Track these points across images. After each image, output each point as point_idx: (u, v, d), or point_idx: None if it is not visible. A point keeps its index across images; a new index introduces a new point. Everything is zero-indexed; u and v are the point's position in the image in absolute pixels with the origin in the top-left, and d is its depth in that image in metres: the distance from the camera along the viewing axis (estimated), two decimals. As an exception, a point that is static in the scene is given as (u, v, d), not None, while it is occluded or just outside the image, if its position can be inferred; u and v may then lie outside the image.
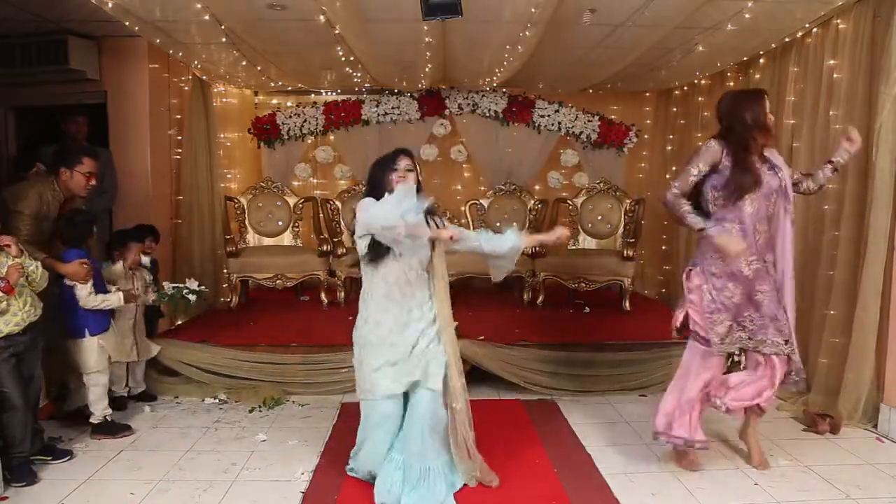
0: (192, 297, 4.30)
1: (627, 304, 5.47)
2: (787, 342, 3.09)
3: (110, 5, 3.62)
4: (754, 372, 3.21)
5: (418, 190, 2.95)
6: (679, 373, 3.24)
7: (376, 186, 2.94)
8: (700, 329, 3.13)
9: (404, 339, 2.87)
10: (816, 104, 4.20)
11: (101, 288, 3.68)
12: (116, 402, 3.96)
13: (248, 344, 4.52)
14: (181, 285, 4.31)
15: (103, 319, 3.69)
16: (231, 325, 4.67)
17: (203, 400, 4.24)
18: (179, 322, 4.97)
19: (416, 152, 6.54)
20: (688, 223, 3.09)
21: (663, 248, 6.59)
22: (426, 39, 4.40)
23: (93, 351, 3.59)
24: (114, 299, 3.67)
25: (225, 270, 5.68)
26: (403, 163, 2.96)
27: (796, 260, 4.40)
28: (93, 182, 3.69)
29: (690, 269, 3.18)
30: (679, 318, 3.22)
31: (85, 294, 3.54)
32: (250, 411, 4.07)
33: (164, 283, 4.30)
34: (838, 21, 4.00)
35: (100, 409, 3.62)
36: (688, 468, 3.21)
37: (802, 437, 3.66)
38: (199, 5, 3.67)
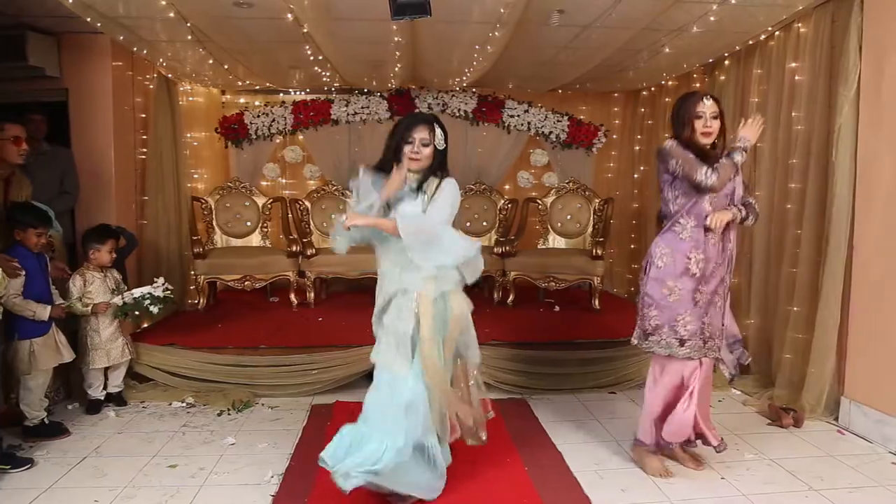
0: (155, 309, 4.06)
1: (597, 303, 5.52)
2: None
3: (70, 0, 3.54)
4: None
5: (443, 160, 2.78)
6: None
7: (385, 158, 2.78)
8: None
9: None
10: (779, 105, 4.29)
11: (44, 293, 3.62)
12: (91, 405, 3.95)
13: (217, 346, 4.46)
14: (144, 292, 4.05)
15: (38, 324, 3.55)
16: (199, 327, 4.61)
17: (170, 404, 4.17)
18: (145, 325, 4.87)
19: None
20: (737, 161, 3.03)
21: (632, 246, 6.67)
22: (395, 39, 4.39)
23: (24, 354, 3.51)
24: (39, 311, 3.53)
25: (192, 272, 5.59)
26: (419, 135, 2.71)
27: (761, 256, 4.51)
28: (24, 147, 3.70)
29: None
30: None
31: (10, 293, 3.42)
32: (219, 415, 4.01)
33: (121, 294, 4.03)
34: (799, 25, 4.09)
35: (32, 412, 3.56)
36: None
37: (767, 431, 3.74)
38: (163, 2, 3.61)
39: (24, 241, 3.57)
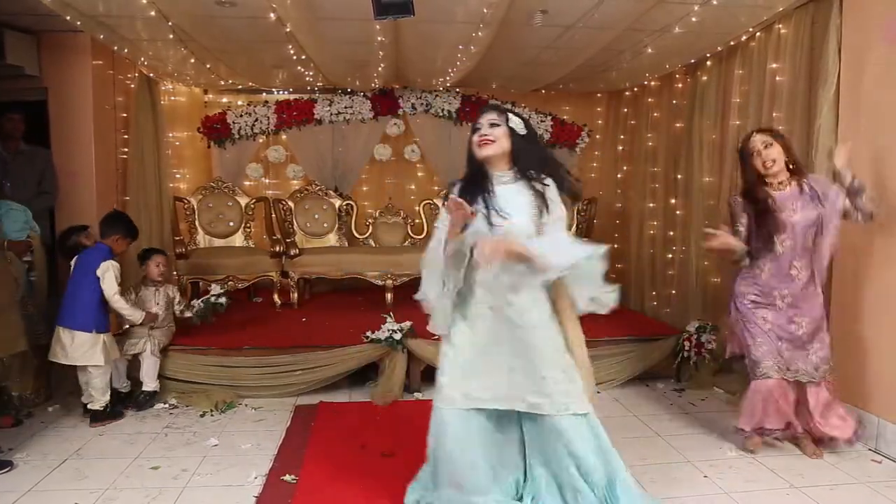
0: (223, 300, 4.53)
1: (580, 303, 5.53)
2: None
3: (49, -1, 3.51)
4: None
5: (535, 156, 2.46)
6: None
7: (468, 172, 2.50)
8: None
9: None
10: (760, 106, 4.33)
11: None
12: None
13: (200, 347, 4.42)
14: (207, 296, 4.53)
15: (108, 322, 3.94)
16: (181, 328, 4.57)
17: (153, 405, 4.13)
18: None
19: (368, 153, 6.61)
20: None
21: (615, 246, 6.69)
22: (379, 38, 4.38)
23: (100, 346, 3.84)
24: (137, 315, 4.06)
25: (175, 273, 5.54)
26: (486, 118, 2.44)
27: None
28: None
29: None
30: None
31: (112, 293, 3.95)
32: (202, 416, 3.99)
33: (192, 301, 4.56)
34: (780, 26, 4.13)
35: (100, 397, 3.83)
36: None
37: (749, 429, 3.77)
38: (144, 1, 3.58)
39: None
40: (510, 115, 2.43)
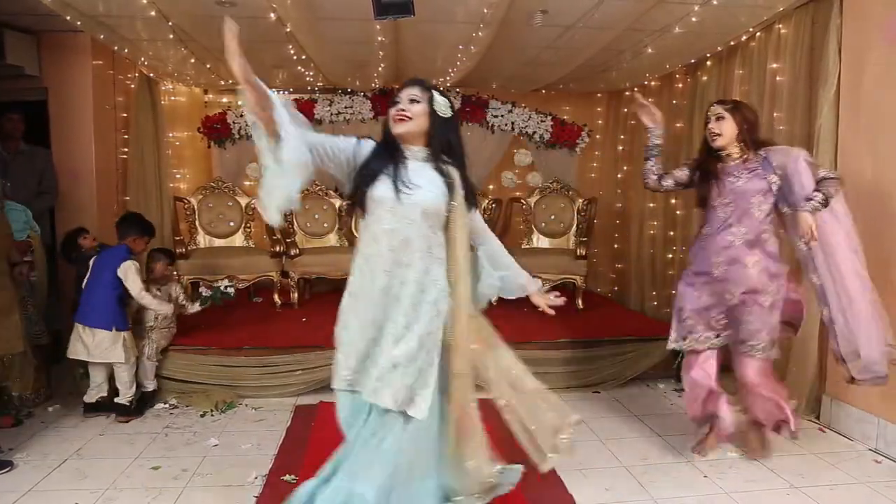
0: (231, 290, 4.54)
1: (580, 303, 5.54)
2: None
3: (49, -1, 3.51)
4: None
5: (452, 140, 2.34)
6: None
7: (385, 125, 2.36)
8: None
9: None
10: (761, 106, 4.31)
11: None
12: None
13: (200, 347, 4.42)
14: (215, 285, 4.57)
15: (127, 320, 4.01)
16: (181, 328, 4.57)
17: (153, 406, 4.13)
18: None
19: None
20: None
21: (615, 246, 6.70)
22: (379, 38, 4.38)
23: (121, 344, 3.91)
24: (165, 307, 4.20)
25: (175, 273, 5.53)
26: (407, 92, 2.28)
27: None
28: None
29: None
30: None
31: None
32: (202, 416, 3.99)
33: (200, 289, 4.62)
34: (780, 26, 4.13)
35: (128, 392, 3.94)
36: None
37: (749, 430, 3.77)
38: (144, 1, 3.58)
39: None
40: (435, 95, 2.29)
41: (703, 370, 3.30)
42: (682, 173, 3.35)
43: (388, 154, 2.30)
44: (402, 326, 2.24)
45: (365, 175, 2.28)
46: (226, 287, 4.54)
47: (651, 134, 3.36)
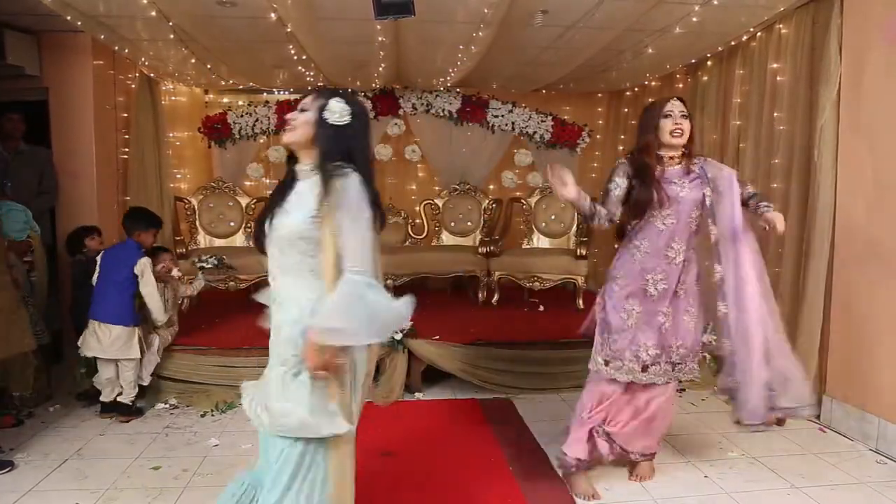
0: (223, 260, 4.66)
1: (581, 302, 5.53)
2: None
3: (49, -1, 3.51)
4: None
5: (347, 144, 2.01)
6: None
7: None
8: None
9: None
10: (761, 106, 4.33)
11: None
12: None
13: (200, 347, 4.42)
14: (204, 256, 4.71)
15: (139, 315, 4.02)
16: (182, 328, 4.57)
17: (153, 405, 4.13)
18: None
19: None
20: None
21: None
22: (379, 38, 4.38)
23: (134, 340, 3.94)
24: (197, 283, 4.51)
25: (178, 271, 5.53)
26: (301, 102, 2.08)
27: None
28: None
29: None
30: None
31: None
32: (202, 416, 3.99)
33: (202, 256, 4.73)
34: (780, 26, 4.13)
35: (131, 391, 3.95)
36: None
37: (750, 430, 3.76)
38: (144, 1, 3.58)
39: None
40: (331, 101, 2.02)
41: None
42: (619, 190, 3.00)
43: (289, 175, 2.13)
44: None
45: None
46: (219, 260, 4.64)
47: (577, 203, 2.97)
